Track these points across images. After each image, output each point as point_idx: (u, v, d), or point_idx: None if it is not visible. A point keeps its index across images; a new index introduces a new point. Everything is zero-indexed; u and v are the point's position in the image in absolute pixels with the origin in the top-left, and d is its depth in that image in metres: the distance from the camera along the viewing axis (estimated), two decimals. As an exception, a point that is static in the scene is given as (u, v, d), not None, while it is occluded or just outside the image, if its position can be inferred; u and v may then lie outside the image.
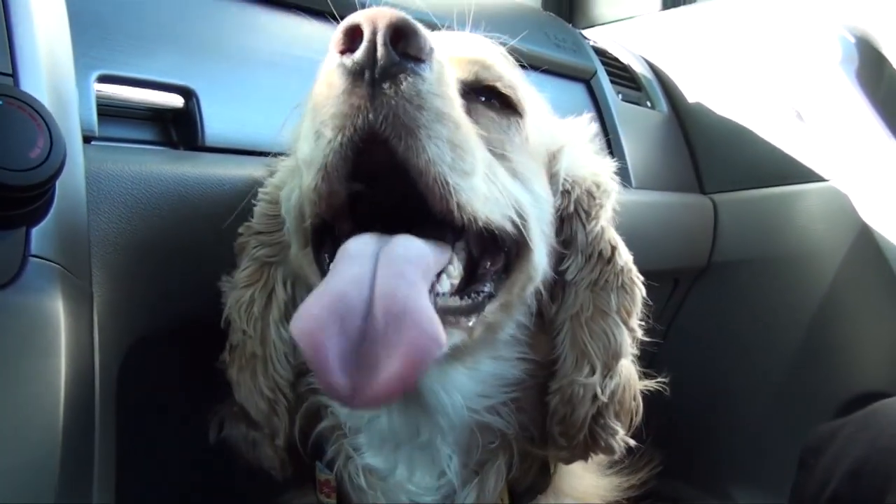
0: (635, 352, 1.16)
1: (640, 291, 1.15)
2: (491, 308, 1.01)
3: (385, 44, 0.81)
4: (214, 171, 1.17)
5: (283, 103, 1.09)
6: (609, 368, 1.10)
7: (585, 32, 2.56)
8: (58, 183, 0.84)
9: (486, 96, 1.06)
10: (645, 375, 1.20)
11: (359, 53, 0.82)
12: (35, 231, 0.83)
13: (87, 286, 0.95)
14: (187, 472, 1.41)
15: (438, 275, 0.91)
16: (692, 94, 2.51)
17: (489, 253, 1.01)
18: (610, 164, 1.22)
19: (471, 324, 0.96)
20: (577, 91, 2.22)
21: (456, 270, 0.95)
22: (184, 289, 1.15)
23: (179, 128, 1.21)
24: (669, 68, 2.58)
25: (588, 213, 1.14)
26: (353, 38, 0.82)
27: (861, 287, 2.20)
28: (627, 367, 1.13)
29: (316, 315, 0.78)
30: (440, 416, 1.07)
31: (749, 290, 2.38)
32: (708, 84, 2.49)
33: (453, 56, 1.03)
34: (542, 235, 1.08)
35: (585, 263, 1.13)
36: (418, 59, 0.84)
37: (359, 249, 0.86)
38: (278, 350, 1.10)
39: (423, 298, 0.81)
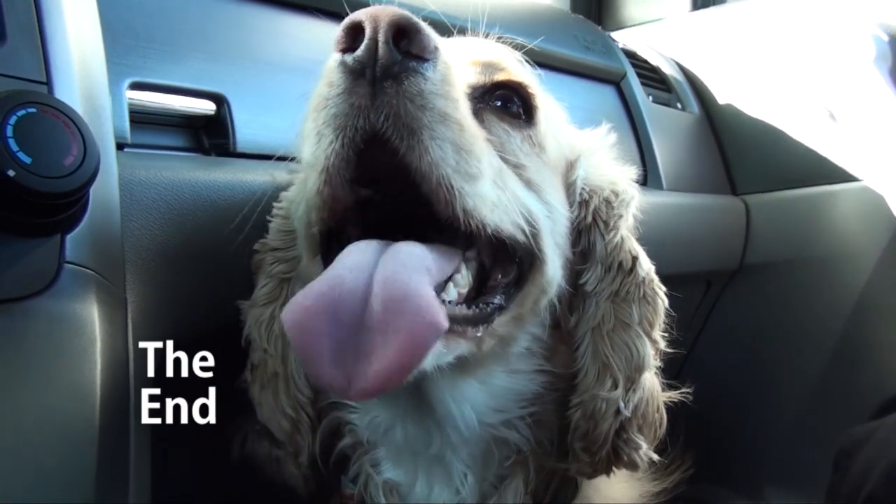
0: (658, 364, 1.12)
1: (663, 302, 1.12)
2: (501, 320, 0.99)
3: (387, 42, 0.79)
4: (246, 177, 1.17)
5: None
6: (632, 382, 1.06)
7: (614, 35, 2.55)
8: (91, 190, 0.85)
9: (501, 101, 1.03)
10: (669, 387, 1.17)
11: (360, 51, 0.80)
12: (70, 238, 0.84)
13: (122, 292, 0.96)
14: (218, 477, 1.42)
15: (446, 282, 0.89)
16: (723, 95, 2.49)
17: (500, 264, 0.99)
18: (629, 171, 1.18)
19: (479, 334, 0.94)
20: (608, 93, 2.21)
21: (464, 279, 0.93)
22: (216, 294, 1.16)
23: (211, 134, 1.22)
24: (700, 69, 2.55)
25: (606, 224, 1.10)
26: (354, 35, 0.81)
27: (897, 288, 2.17)
28: (651, 380, 1.10)
29: (308, 306, 0.77)
30: (450, 429, 1.05)
31: (782, 291, 2.35)
32: (739, 85, 2.46)
33: (466, 59, 1.02)
34: (556, 247, 1.05)
35: (605, 274, 1.09)
36: (421, 58, 0.82)
37: (362, 244, 0.86)
38: (299, 368, 1.08)
39: (425, 286, 0.79)
